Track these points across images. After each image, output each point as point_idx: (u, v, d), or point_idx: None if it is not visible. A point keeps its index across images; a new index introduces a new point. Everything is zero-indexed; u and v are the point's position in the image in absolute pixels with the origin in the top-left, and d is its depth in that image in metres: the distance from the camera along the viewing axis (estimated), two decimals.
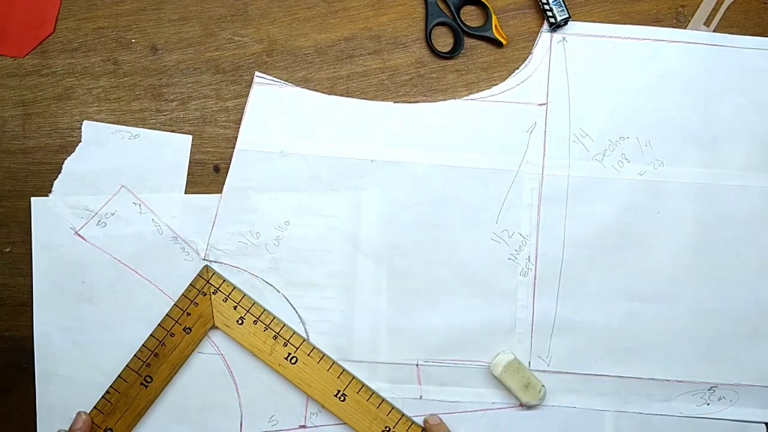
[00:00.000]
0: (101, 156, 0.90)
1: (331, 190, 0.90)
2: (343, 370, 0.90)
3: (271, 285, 0.90)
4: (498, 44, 0.91)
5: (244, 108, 0.90)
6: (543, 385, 0.90)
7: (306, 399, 0.90)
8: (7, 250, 0.90)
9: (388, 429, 0.90)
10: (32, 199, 0.89)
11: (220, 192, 0.90)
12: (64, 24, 0.90)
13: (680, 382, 0.91)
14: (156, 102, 0.90)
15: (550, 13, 0.89)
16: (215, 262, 0.90)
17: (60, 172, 0.89)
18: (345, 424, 0.90)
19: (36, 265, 0.90)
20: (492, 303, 0.90)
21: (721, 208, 0.90)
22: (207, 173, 0.90)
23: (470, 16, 0.91)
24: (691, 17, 0.91)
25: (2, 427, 0.91)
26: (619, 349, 0.91)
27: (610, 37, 0.90)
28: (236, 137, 0.90)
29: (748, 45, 0.90)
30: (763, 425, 0.92)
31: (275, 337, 0.90)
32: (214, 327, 0.90)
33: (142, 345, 0.89)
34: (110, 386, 0.89)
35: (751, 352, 0.91)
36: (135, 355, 0.89)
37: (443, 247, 0.90)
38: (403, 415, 0.90)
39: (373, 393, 0.90)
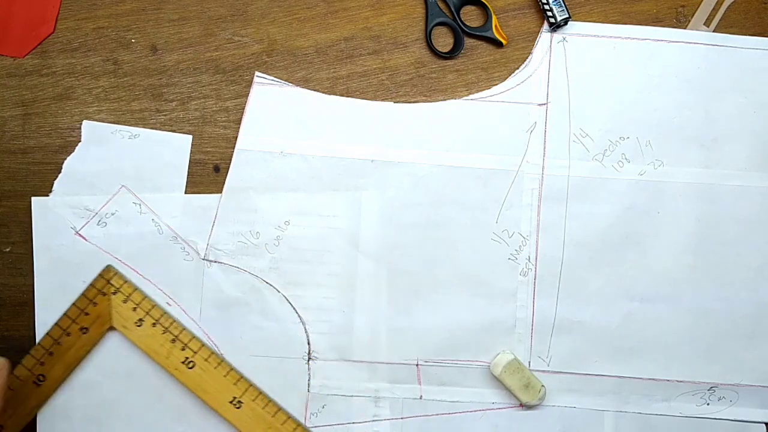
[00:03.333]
0: (101, 156, 0.90)
1: (331, 190, 0.90)
2: (241, 376, 0.89)
3: (271, 285, 0.90)
4: (498, 44, 0.91)
5: (244, 108, 0.90)
6: (543, 385, 0.90)
7: (306, 399, 0.90)
8: (7, 250, 0.90)
9: None
10: (32, 198, 0.89)
11: (220, 192, 0.90)
12: (64, 24, 0.90)
13: (680, 382, 0.91)
14: (156, 102, 0.90)
15: (550, 13, 0.89)
16: (215, 262, 0.90)
17: (60, 172, 0.89)
18: None
19: (36, 264, 0.90)
20: (492, 303, 0.90)
21: (722, 208, 0.90)
22: (207, 173, 0.90)
23: (470, 16, 0.91)
24: (691, 17, 0.91)
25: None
26: (619, 349, 0.91)
27: (611, 37, 0.90)
28: (236, 137, 0.90)
29: (748, 45, 0.90)
30: (763, 425, 0.92)
31: (173, 341, 0.89)
32: (111, 328, 0.89)
33: (38, 343, 0.89)
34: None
35: (752, 352, 0.91)
36: (29, 353, 0.88)
37: (443, 247, 0.90)
38: (299, 425, 0.89)
39: (269, 401, 0.89)
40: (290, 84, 0.90)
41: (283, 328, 0.90)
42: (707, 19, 0.91)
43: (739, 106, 0.90)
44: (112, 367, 0.90)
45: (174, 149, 0.90)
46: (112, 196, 0.89)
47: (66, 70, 0.90)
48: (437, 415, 0.91)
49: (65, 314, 0.88)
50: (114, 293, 0.89)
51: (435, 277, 0.90)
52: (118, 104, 0.90)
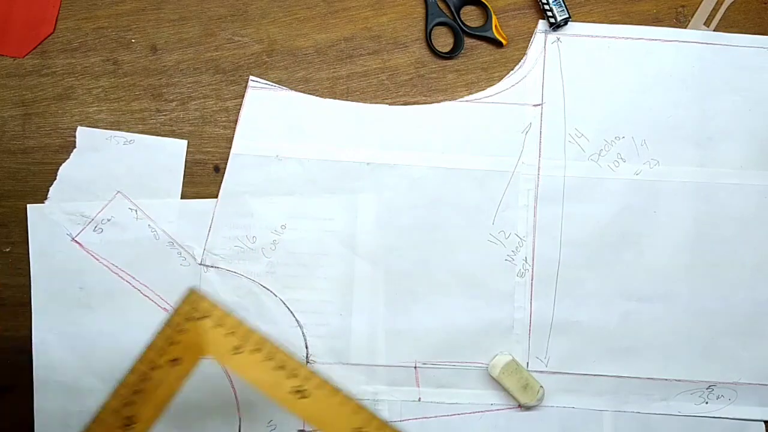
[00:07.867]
0: (96, 162, 0.90)
1: (327, 194, 0.90)
2: (359, 405, 0.75)
3: (268, 289, 0.90)
4: (498, 44, 0.91)
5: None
6: (541, 386, 0.90)
7: None
8: (7, 250, 0.91)
9: None
10: (28, 206, 0.90)
11: (220, 192, 0.90)
12: (64, 24, 0.91)
13: (678, 381, 0.91)
14: (156, 102, 0.90)
15: (550, 13, 0.89)
16: (212, 267, 0.90)
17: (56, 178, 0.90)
18: None
19: (33, 271, 0.90)
20: (489, 304, 0.91)
21: (718, 206, 0.91)
22: (207, 173, 0.90)
23: (470, 16, 0.91)
24: (691, 17, 0.91)
25: (2, 427, 0.92)
26: (617, 349, 0.91)
27: (605, 36, 0.90)
28: None
29: (743, 43, 0.90)
30: (762, 423, 0.92)
31: (279, 368, 0.77)
32: (206, 357, 0.78)
33: (122, 381, 0.74)
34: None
35: (749, 350, 0.92)
36: (114, 392, 0.74)
37: (440, 249, 0.90)
38: None
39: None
40: (285, 88, 0.90)
41: (280, 332, 0.90)
42: (707, 19, 0.90)
43: (734, 105, 0.90)
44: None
45: (169, 154, 0.90)
46: (108, 202, 0.90)
47: (66, 70, 0.90)
48: (436, 417, 0.91)
49: (151, 345, 0.75)
50: (200, 318, 0.77)
51: (432, 279, 0.91)
52: (118, 104, 0.90)
